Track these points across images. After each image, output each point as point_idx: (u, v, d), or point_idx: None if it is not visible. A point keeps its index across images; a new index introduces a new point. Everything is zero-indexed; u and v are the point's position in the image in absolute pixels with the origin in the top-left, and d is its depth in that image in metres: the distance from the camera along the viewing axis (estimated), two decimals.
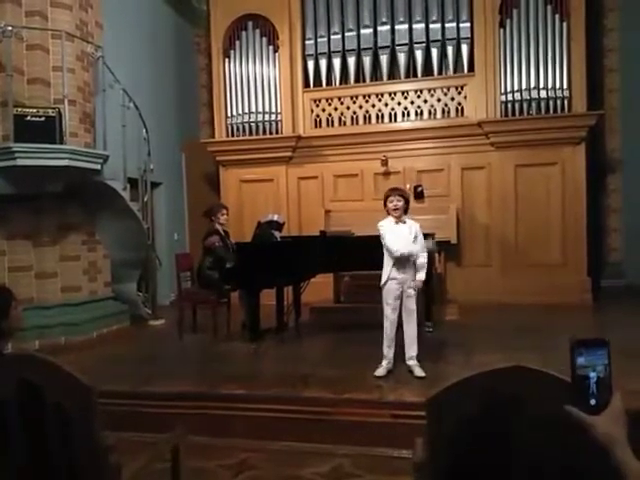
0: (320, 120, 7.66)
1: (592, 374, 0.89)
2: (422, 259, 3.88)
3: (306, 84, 7.66)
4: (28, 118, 4.85)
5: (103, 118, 5.74)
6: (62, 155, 4.94)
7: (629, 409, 0.89)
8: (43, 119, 4.92)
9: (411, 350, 3.86)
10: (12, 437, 1.61)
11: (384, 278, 3.85)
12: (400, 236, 3.82)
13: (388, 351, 3.89)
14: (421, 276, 3.86)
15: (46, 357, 1.66)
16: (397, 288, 3.82)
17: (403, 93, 7.38)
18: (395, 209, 3.84)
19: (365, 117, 7.52)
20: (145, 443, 2.84)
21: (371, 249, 3.98)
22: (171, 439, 2.16)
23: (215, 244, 5.27)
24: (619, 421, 0.88)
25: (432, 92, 7.29)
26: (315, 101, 7.67)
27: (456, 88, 7.22)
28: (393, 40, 7.26)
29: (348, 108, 7.57)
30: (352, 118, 7.56)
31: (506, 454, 1.25)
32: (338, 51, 7.44)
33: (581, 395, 0.90)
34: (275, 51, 7.63)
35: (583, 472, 1.15)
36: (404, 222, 3.88)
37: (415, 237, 3.84)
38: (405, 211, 3.91)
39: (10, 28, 4.84)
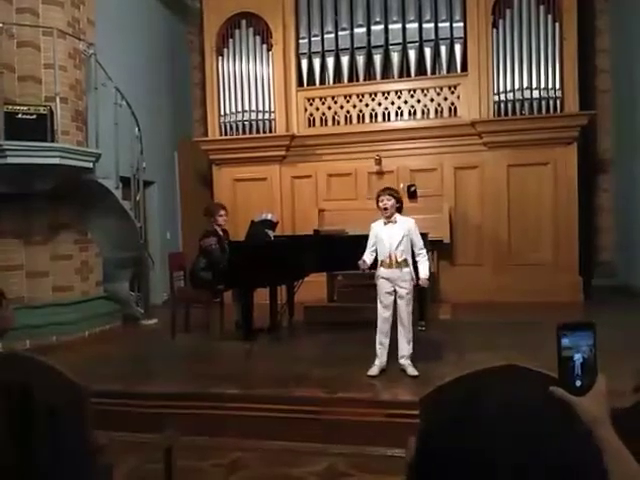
0: (314, 119, 7.65)
1: (577, 355, 0.90)
2: (419, 257, 3.88)
3: (300, 83, 7.65)
4: (19, 116, 4.81)
5: (95, 116, 5.70)
6: (53, 153, 4.90)
7: (619, 408, 0.90)
8: (34, 117, 4.88)
9: (403, 350, 3.86)
10: None
11: (375, 276, 3.90)
12: (384, 238, 3.83)
13: (381, 350, 3.88)
14: (423, 273, 3.83)
15: (37, 356, 1.64)
16: (389, 286, 3.83)
17: (396, 92, 7.39)
18: (384, 209, 3.84)
19: (359, 116, 7.52)
20: (137, 443, 2.82)
21: (364, 248, 3.98)
22: (164, 439, 2.15)
23: (212, 246, 5.20)
24: (602, 402, 0.89)
25: (425, 92, 7.31)
26: (309, 100, 7.66)
27: (449, 88, 7.24)
28: (387, 39, 7.26)
29: (342, 107, 7.56)
30: (346, 117, 7.55)
31: (500, 454, 1.25)
32: (332, 50, 7.43)
33: (566, 376, 0.91)
34: (269, 50, 7.61)
35: (575, 472, 1.16)
36: (395, 222, 3.86)
37: (404, 237, 3.80)
38: (399, 210, 3.91)
39: (0, 25, 4.80)
